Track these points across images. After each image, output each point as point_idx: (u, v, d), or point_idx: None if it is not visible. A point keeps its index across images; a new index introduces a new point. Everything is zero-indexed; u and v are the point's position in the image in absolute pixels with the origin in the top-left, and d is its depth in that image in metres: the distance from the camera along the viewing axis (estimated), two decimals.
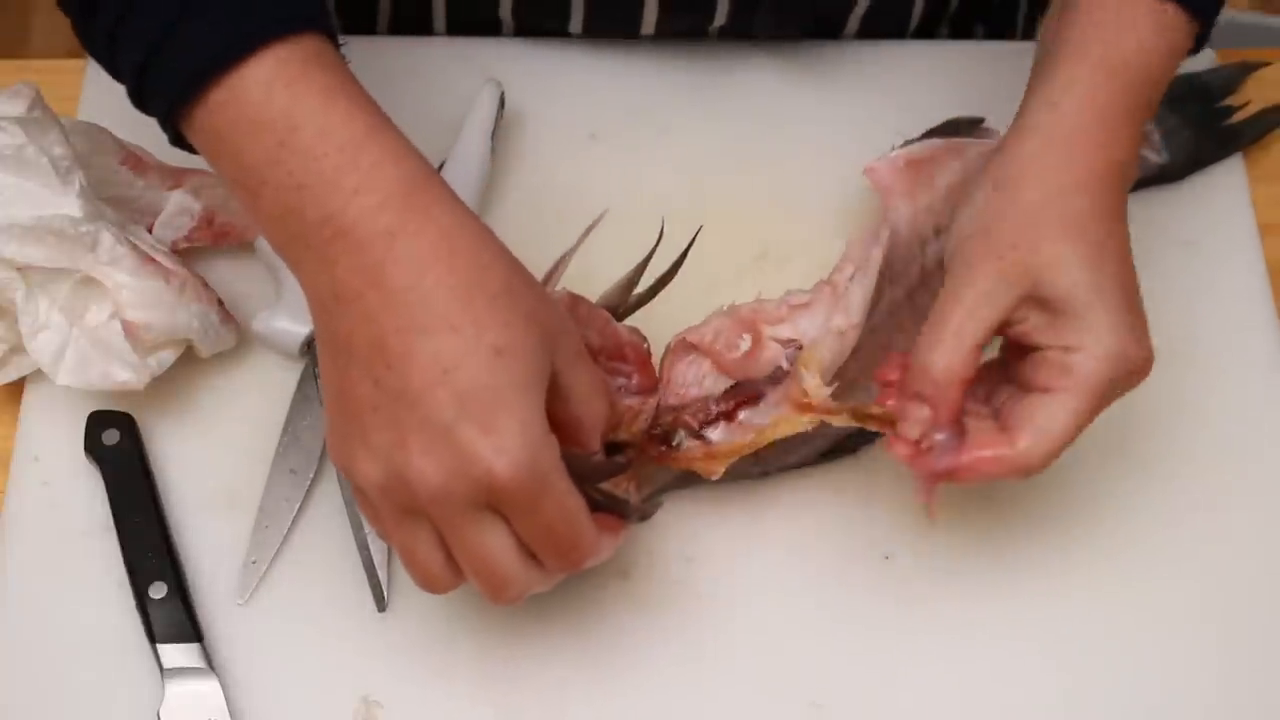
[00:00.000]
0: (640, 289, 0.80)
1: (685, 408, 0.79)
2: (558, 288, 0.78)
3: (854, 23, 0.99)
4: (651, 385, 0.78)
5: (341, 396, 0.69)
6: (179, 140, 0.72)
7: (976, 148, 0.88)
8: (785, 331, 0.81)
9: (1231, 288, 0.90)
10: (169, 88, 0.69)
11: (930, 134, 0.89)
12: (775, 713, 0.78)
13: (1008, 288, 0.73)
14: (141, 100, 0.72)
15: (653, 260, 0.80)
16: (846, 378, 0.82)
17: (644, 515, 0.77)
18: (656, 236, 0.81)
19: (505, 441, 0.66)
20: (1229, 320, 0.89)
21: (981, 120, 0.91)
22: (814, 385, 0.78)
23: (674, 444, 0.79)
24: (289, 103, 0.68)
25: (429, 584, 0.71)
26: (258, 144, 0.68)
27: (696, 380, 0.80)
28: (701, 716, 0.78)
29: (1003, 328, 0.74)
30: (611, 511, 0.73)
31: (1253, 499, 0.84)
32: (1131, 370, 0.73)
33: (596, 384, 0.72)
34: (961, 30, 1.07)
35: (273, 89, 0.68)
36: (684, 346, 0.80)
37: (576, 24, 0.96)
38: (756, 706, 0.78)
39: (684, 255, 0.81)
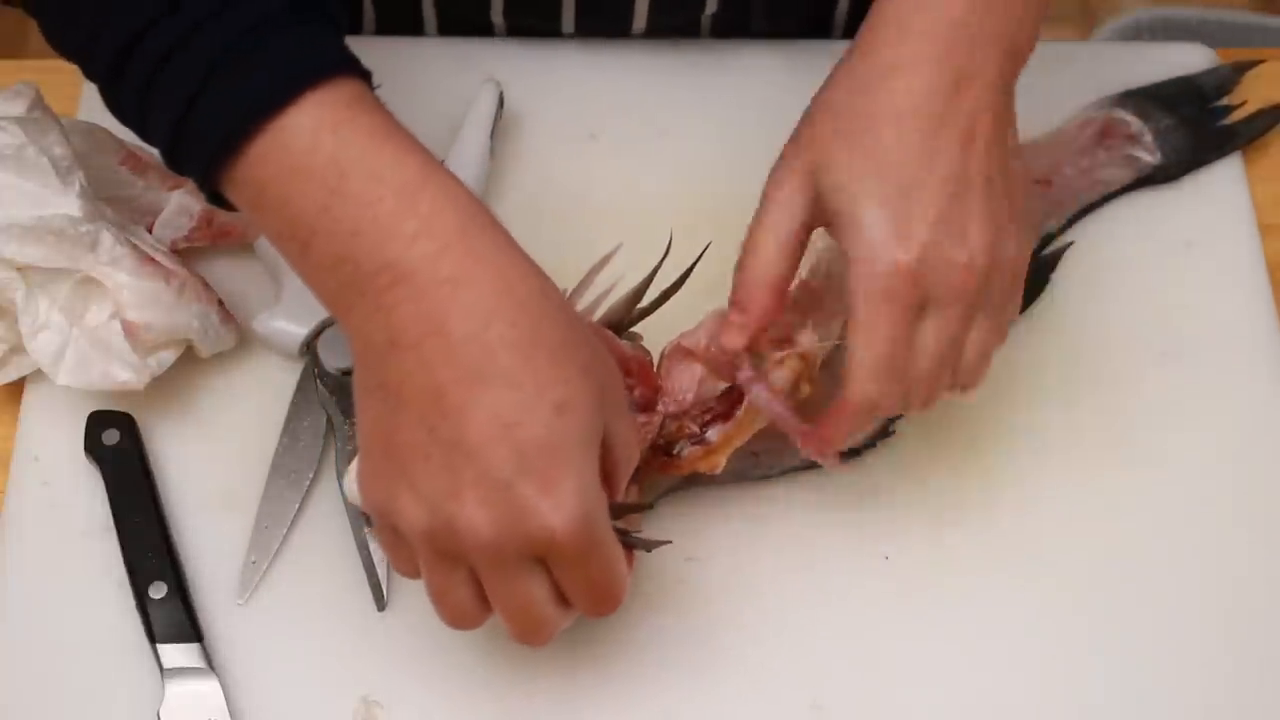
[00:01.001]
0: (644, 301, 0.80)
1: (685, 414, 0.79)
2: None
3: (842, 14, 0.99)
4: (654, 397, 0.78)
5: (386, 440, 0.68)
6: (217, 198, 0.70)
7: None
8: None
9: (1231, 288, 0.90)
10: (206, 144, 0.67)
11: None
12: (775, 713, 0.78)
13: (801, 193, 0.74)
14: (176, 160, 0.70)
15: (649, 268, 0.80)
16: (834, 371, 0.82)
17: (649, 547, 0.77)
18: (663, 251, 0.80)
19: (563, 500, 0.66)
20: (1229, 320, 0.89)
21: None
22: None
23: (675, 453, 0.79)
24: (336, 148, 0.66)
25: (459, 622, 0.71)
26: (306, 193, 0.66)
27: (694, 385, 0.80)
28: (702, 716, 0.78)
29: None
30: (625, 546, 0.73)
31: (1252, 499, 0.84)
32: (913, 278, 0.70)
33: (634, 434, 0.72)
34: None
35: (318, 136, 0.66)
36: (680, 352, 0.80)
37: (568, 23, 0.96)
38: (756, 706, 0.78)
39: (690, 270, 0.80)
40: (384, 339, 0.67)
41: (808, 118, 0.76)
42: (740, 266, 0.75)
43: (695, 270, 0.81)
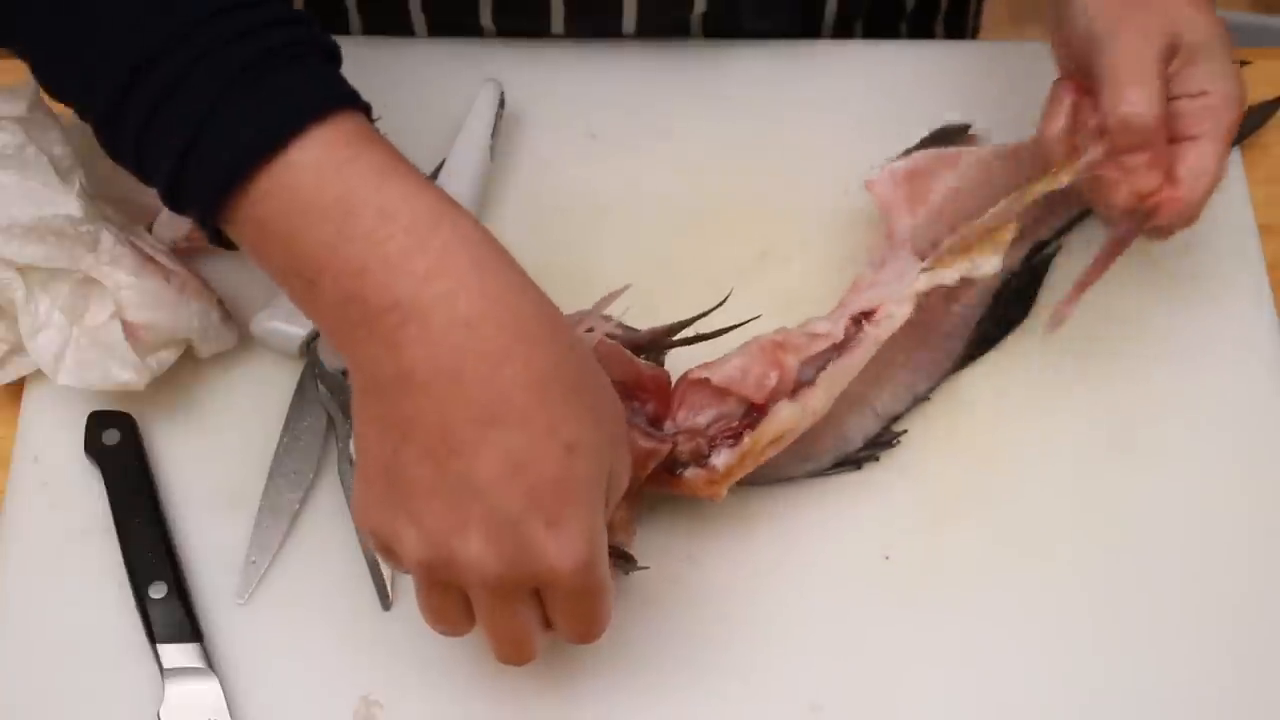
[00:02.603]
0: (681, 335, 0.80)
1: (694, 434, 0.79)
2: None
3: (831, 11, 0.99)
4: (665, 413, 0.78)
5: (389, 472, 0.67)
6: (218, 236, 0.69)
7: (969, 156, 0.89)
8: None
9: (1231, 288, 0.90)
10: (208, 182, 0.66)
11: (921, 144, 0.90)
12: (775, 713, 0.78)
13: (1155, 38, 0.79)
14: (177, 199, 0.68)
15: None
16: (850, 397, 0.82)
17: (626, 570, 0.79)
18: (717, 302, 0.80)
19: (570, 540, 0.66)
20: (1229, 320, 0.89)
21: (968, 126, 0.91)
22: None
23: (679, 473, 0.79)
24: (342, 186, 0.66)
25: (449, 633, 0.72)
26: (312, 231, 0.66)
27: (707, 409, 0.80)
28: (701, 716, 0.78)
29: None
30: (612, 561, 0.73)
31: (1253, 499, 0.84)
32: (1241, 111, 0.80)
33: (629, 464, 0.72)
34: (923, 24, 1.07)
35: (323, 173, 0.65)
36: (707, 389, 0.79)
37: (558, 24, 0.96)
38: (756, 706, 0.78)
39: (732, 327, 0.80)
40: (392, 374, 0.66)
41: None
42: (1127, 110, 0.79)
43: (698, 268, 0.81)
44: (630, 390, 0.78)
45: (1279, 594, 0.82)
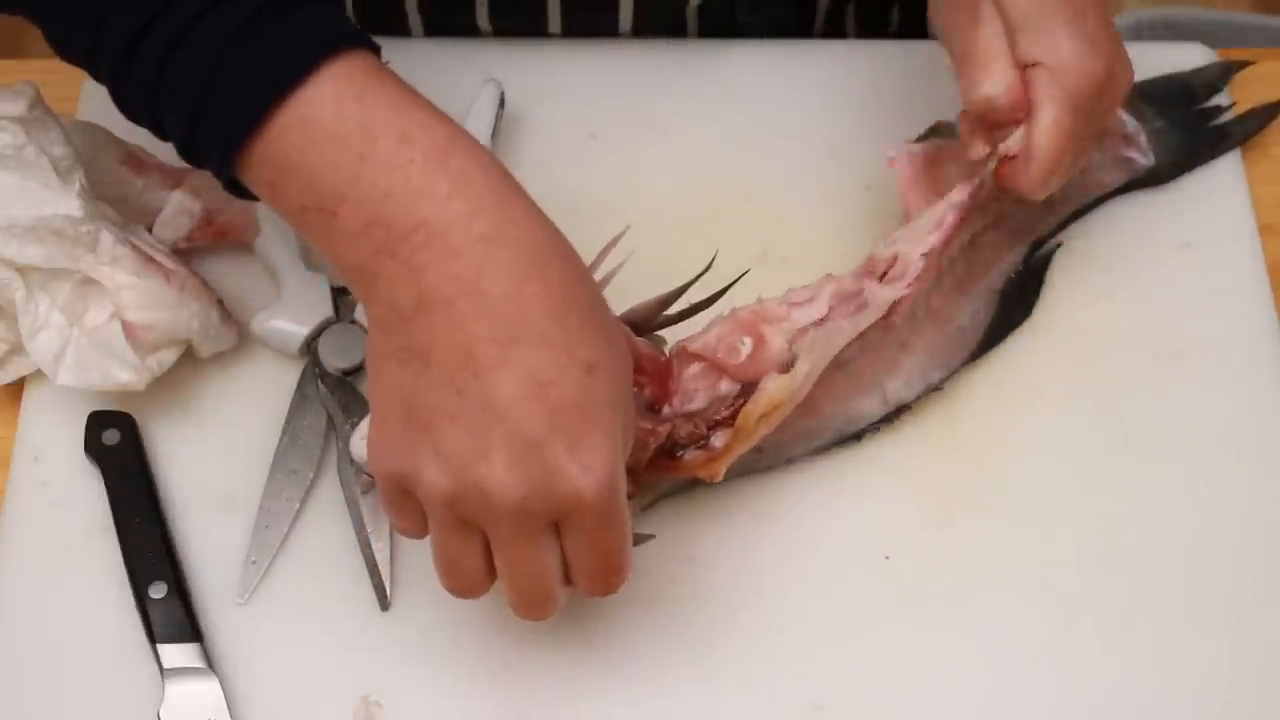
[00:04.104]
0: (670, 310, 0.80)
1: (692, 417, 0.79)
2: None
3: (825, 3, 0.99)
4: (664, 397, 0.78)
5: (408, 404, 0.67)
6: (234, 186, 0.70)
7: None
8: (788, 328, 0.81)
9: (1231, 288, 0.90)
10: (225, 124, 0.67)
11: (923, 138, 0.90)
12: (775, 713, 0.78)
13: (989, 21, 0.80)
14: (193, 148, 0.69)
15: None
16: (863, 374, 0.82)
17: (636, 542, 0.78)
18: (704, 265, 0.80)
19: (593, 461, 0.66)
20: (1229, 320, 0.89)
21: None
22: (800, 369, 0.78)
23: (678, 455, 0.79)
24: (362, 115, 0.67)
25: (464, 591, 0.71)
26: (333, 161, 0.67)
27: (705, 388, 0.80)
28: (702, 716, 0.78)
29: None
30: None
31: (1253, 499, 0.84)
32: (1096, 81, 0.80)
33: (633, 419, 0.72)
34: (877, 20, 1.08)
35: (343, 104, 0.67)
36: (686, 356, 0.80)
37: (555, 24, 0.96)
38: (756, 706, 0.78)
39: (725, 290, 0.80)
40: (412, 301, 0.66)
41: None
42: (983, 91, 0.80)
43: (699, 268, 0.81)
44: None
45: (1278, 593, 0.82)
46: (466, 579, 0.71)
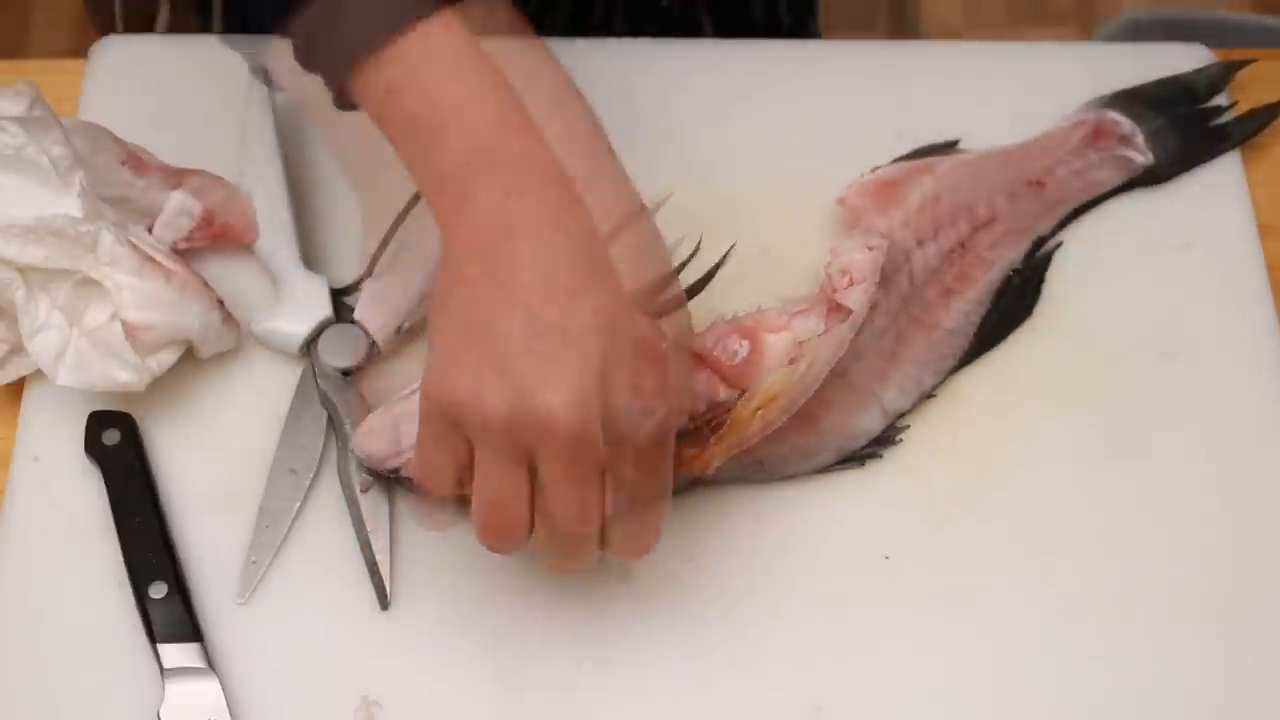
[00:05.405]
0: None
1: (693, 417, 0.79)
2: None
3: None
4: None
5: (480, 327, 0.69)
6: (342, 97, 0.73)
7: (947, 163, 0.89)
8: (788, 337, 0.81)
9: (1231, 288, 0.90)
10: (355, 35, 0.71)
11: (903, 159, 0.90)
12: (775, 713, 0.78)
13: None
14: (312, 54, 0.73)
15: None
16: (858, 386, 0.82)
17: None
18: (691, 249, 0.80)
19: (651, 403, 0.69)
20: (1229, 320, 0.89)
21: (956, 142, 0.92)
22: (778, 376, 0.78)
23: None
24: (478, 54, 0.71)
25: (503, 535, 0.71)
26: (459, 78, 0.70)
27: (703, 393, 0.80)
28: (702, 716, 0.78)
29: None
30: None
31: (1252, 499, 0.84)
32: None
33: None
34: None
35: (461, 41, 0.71)
36: (699, 369, 0.79)
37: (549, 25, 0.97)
38: (756, 706, 0.78)
39: (714, 271, 0.81)
40: (501, 224, 0.69)
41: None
42: None
43: (699, 268, 0.81)
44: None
45: (1278, 593, 0.82)
46: (507, 523, 0.71)
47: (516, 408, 0.67)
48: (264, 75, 0.90)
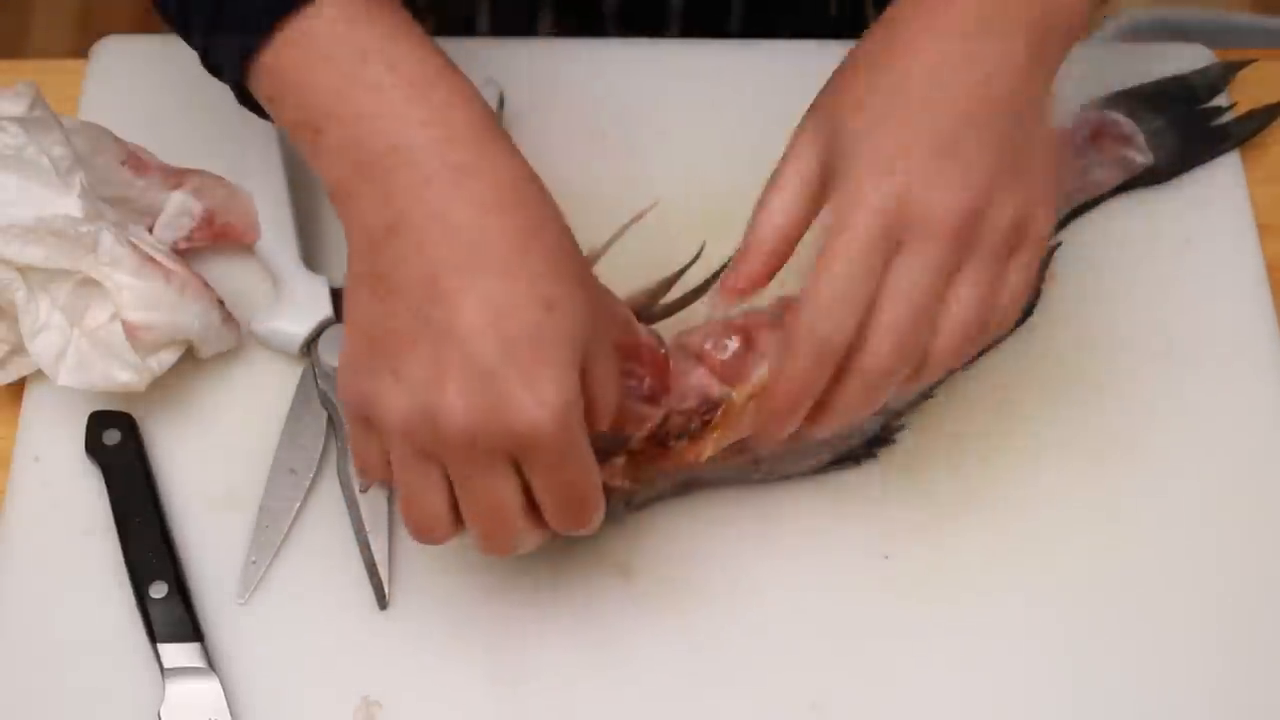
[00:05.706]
0: (667, 299, 0.80)
1: (685, 413, 0.79)
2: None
3: None
4: (663, 391, 0.78)
5: (374, 329, 0.69)
6: (245, 98, 0.73)
7: None
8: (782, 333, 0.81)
9: (1231, 288, 0.90)
10: (240, 33, 0.70)
11: None
12: (775, 713, 0.78)
13: (813, 137, 0.75)
14: (212, 48, 0.73)
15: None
16: None
17: (629, 502, 0.77)
18: (681, 251, 0.80)
19: (545, 394, 0.67)
20: (1229, 320, 0.89)
21: None
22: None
23: (668, 445, 0.79)
24: (357, 38, 0.69)
25: (427, 530, 0.72)
26: (325, 78, 0.69)
27: (700, 386, 0.80)
28: (702, 716, 0.78)
29: None
30: None
31: (1252, 499, 0.84)
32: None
33: (613, 371, 0.72)
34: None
35: (336, 25, 0.69)
36: (678, 350, 0.80)
37: (545, 26, 0.97)
38: (756, 706, 0.78)
39: (719, 272, 0.80)
40: (383, 225, 0.68)
41: (831, 78, 0.76)
42: (755, 210, 0.76)
43: (700, 268, 0.81)
44: (628, 359, 0.78)
45: (1278, 593, 0.82)
46: (426, 517, 0.71)
47: (409, 411, 0.68)
48: None
